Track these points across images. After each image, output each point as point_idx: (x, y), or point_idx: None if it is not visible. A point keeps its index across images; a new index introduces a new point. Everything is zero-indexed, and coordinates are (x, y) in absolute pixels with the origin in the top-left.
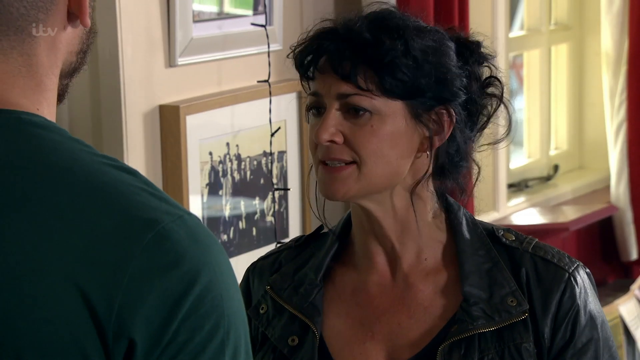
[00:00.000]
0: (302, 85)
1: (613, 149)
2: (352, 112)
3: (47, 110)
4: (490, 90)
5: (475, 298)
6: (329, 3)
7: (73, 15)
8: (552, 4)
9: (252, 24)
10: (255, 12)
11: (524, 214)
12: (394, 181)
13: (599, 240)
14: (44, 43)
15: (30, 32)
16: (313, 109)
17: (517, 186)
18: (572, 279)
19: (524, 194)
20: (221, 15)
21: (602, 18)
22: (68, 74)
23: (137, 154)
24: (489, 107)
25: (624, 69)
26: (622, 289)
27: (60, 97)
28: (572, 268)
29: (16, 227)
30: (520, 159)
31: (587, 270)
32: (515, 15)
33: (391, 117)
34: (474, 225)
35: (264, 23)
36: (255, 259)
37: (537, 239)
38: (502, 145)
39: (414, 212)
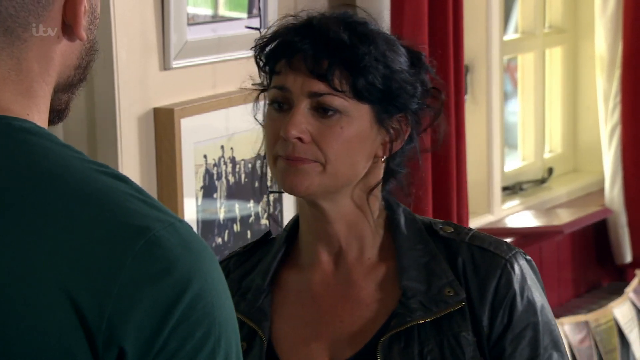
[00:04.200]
0: (260, 75)
1: (607, 152)
2: (320, 111)
3: (38, 116)
4: (431, 99)
5: (413, 291)
6: (323, 6)
7: (69, 28)
8: (546, 7)
9: (247, 27)
10: (250, 15)
11: (519, 216)
12: (352, 182)
13: (593, 243)
14: (36, 49)
15: (19, 34)
16: (275, 103)
17: (511, 189)
18: (508, 265)
19: (519, 197)
20: (216, 18)
21: (597, 21)
22: (65, 88)
23: (132, 156)
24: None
25: (618, 72)
26: (617, 291)
27: (61, 114)
28: (509, 255)
29: (5, 234)
30: (515, 161)
31: (528, 257)
32: (509, 18)
33: (358, 119)
34: (413, 221)
35: (258, 26)
36: None
37: (476, 229)
38: (496, 147)
39: (368, 213)
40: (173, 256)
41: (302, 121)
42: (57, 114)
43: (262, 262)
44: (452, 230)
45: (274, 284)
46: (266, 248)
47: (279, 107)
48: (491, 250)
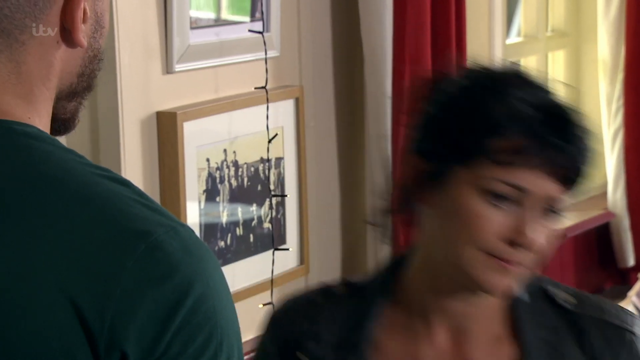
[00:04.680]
0: (483, 163)
1: (610, 156)
2: (547, 212)
3: (39, 120)
4: None
5: None
6: (326, 10)
7: (68, 33)
8: (549, 10)
9: (250, 31)
10: (253, 18)
11: None
12: None
13: (596, 247)
14: (35, 53)
15: (16, 37)
16: (498, 197)
17: None
18: (633, 337)
19: None
20: (218, 22)
21: (599, 25)
22: (69, 96)
23: (135, 160)
24: None
25: (620, 76)
26: (619, 295)
27: (67, 123)
28: (633, 325)
29: (6, 236)
30: None
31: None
32: (512, 21)
33: None
34: (532, 286)
35: (261, 29)
36: (252, 266)
37: (593, 295)
38: None
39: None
40: (174, 260)
41: (541, 230)
42: (62, 123)
43: (356, 317)
44: (575, 302)
45: (370, 345)
46: (358, 298)
47: (498, 200)
48: (617, 325)
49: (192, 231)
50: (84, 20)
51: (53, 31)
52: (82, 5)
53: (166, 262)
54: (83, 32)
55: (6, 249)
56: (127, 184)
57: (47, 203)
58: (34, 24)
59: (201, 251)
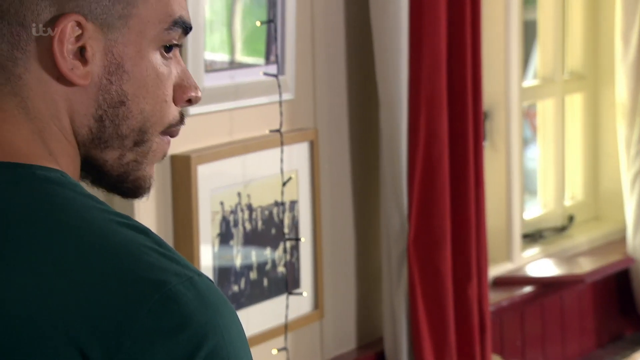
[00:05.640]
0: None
1: (629, 200)
2: None
3: (60, 159)
4: None
5: None
6: (341, 52)
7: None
8: (566, 53)
9: (264, 74)
10: (267, 61)
11: (539, 265)
12: None
13: (615, 293)
14: (35, 88)
15: (11, 70)
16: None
17: (531, 237)
18: None
19: (539, 245)
20: (233, 65)
21: (617, 68)
22: (94, 142)
23: (148, 203)
24: None
25: (639, 119)
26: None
27: (125, 180)
28: None
29: (19, 283)
30: (535, 209)
31: None
32: (528, 63)
33: None
34: None
35: (276, 72)
36: (266, 311)
37: None
38: (516, 194)
39: None
40: (188, 311)
41: None
42: (120, 180)
43: None
44: None
45: None
46: None
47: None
48: None
49: (210, 281)
50: (85, 58)
51: (44, 72)
52: (65, 39)
53: (180, 313)
54: (79, 70)
55: (19, 293)
56: (146, 232)
57: (63, 252)
58: (20, 57)
59: (217, 301)
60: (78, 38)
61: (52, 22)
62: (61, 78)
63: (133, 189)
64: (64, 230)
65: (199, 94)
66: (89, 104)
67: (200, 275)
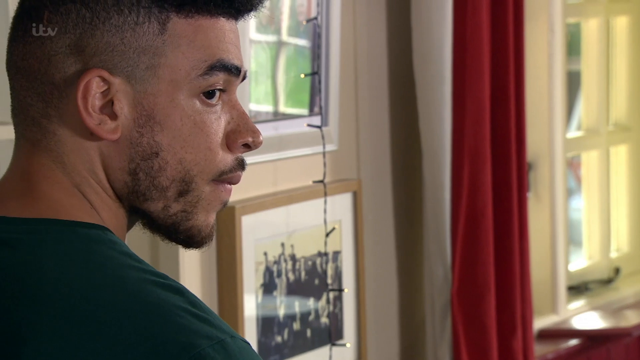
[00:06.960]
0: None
1: None
2: None
3: (101, 213)
4: None
5: None
6: (384, 103)
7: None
8: (610, 104)
9: (308, 125)
10: (311, 112)
11: (585, 317)
12: None
13: None
14: (70, 144)
15: (45, 126)
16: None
17: (577, 289)
18: None
19: (584, 297)
20: (277, 117)
21: None
22: (132, 195)
23: (193, 253)
24: None
25: None
26: None
27: (176, 231)
28: None
29: (53, 345)
30: (580, 260)
31: None
32: (572, 114)
33: None
34: None
35: (319, 124)
36: None
37: None
38: (561, 246)
39: None
40: None
41: None
42: (171, 232)
43: None
44: None
45: None
46: None
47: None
48: None
49: (245, 343)
50: (114, 112)
51: (75, 126)
52: (90, 95)
53: None
54: (107, 124)
55: (47, 354)
56: (181, 292)
57: (95, 315)
58: (54, 114)
59: None
60: (105, 93)
61: (76, 78)
62: (92, 133)
63: (186, 239)
64: (98, 294)
65: (260, 138)
66: (121, 157)
67: (234, 337)
